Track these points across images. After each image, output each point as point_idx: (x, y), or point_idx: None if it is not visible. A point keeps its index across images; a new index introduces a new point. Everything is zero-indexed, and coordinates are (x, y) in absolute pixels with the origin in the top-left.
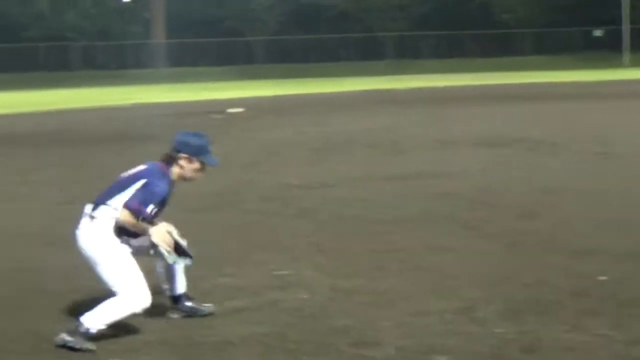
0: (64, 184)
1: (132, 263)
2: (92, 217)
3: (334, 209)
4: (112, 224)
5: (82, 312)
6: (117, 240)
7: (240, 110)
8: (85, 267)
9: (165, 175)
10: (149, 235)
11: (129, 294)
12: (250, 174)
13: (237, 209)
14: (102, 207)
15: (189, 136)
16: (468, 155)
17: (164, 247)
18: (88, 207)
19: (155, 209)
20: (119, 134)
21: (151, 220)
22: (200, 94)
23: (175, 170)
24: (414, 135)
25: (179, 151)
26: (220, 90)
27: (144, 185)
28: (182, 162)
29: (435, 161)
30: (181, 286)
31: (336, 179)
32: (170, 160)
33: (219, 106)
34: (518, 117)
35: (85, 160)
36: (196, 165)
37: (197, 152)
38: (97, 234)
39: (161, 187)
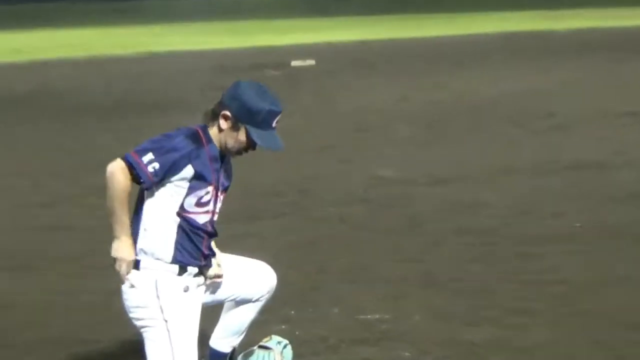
0: (38, 177)
1: (189, 336)
2: (136, 266)
3: (452, 217)
4: (171, 268)
5: None
6: (179, 296)
7: (310, 63)
8: (61, 301)
9: (195, 136)
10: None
11: None
12: (325, 162)
13: (305, 217)
14: (143, 243)
15: (249, 89)
16: None
17: (121, 274)
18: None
19: (159, 173)
20: (126, 99)
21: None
22: (250, 38)
23: (215, 132)
24: (580, 104)
25: (223, 105)
26: (280, 32)
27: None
28: (221, 121)
29: (615, 144)
30: (238, 339)
31: (456, 170)
32: (213, 116)
33: (277, 56)
34: None
35: (72, 140)
36: (241, 136)
37: (247, 116)
38: (148, 292)
39: (179, 144)
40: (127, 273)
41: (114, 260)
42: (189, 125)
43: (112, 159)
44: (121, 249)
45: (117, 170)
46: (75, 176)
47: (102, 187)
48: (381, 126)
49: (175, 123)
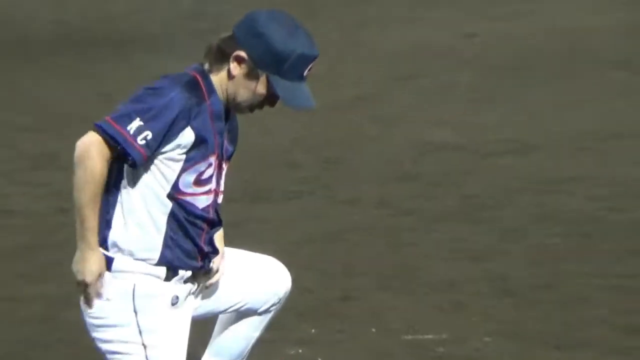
0: None
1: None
2: (107, 267)
3: (533, 200)
4: (156, 272)
5: None
6: (165, 312)
7: None
8: None
9: (194, 85)
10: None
11: None
12: (357, 121)
13: (330, 198)
14: (118, 235)
15: (273, 23)
16: None
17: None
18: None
19: (153, 145)
20: (79, 33)
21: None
22: None
23: (220, 78)
24: None
25: (236, 42)
26: None
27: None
28: (233, 65)
29: None
30: None
31: (539, 134)
32: (220, 57)
33: None
34: None
35: (6, 89)
36: (260, 87)
37: (270, 61)
38: (122, 304)
39: (173, 99)
40: (97, 296)
41: (76, 280)
42: (179, 71)
43: (63, 117)
44: (87, 265)
45: (93, 149)
46: (11, 142)
47: (50, 157)
48: (435, 72)
49: (145, 65)
